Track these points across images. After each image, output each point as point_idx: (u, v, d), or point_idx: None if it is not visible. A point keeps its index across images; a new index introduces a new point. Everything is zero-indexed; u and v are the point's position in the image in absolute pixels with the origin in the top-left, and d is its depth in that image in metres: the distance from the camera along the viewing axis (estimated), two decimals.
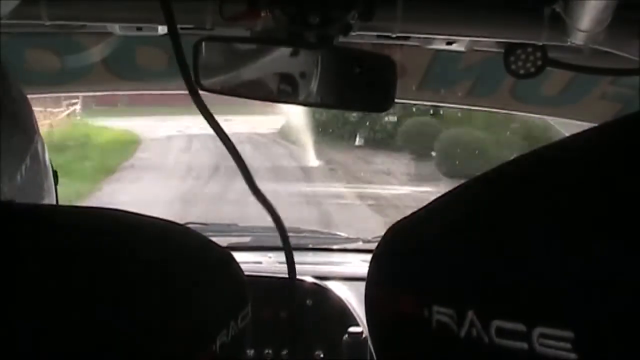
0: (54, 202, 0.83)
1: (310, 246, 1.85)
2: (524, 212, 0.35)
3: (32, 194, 0.70)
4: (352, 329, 1.27)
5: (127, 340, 0.39)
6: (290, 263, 0.79)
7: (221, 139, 0.78)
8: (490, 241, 0.36)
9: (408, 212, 0.46)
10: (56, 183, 0.84)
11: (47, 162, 0.77)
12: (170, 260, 0.46)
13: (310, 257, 1.79)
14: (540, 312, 0.32)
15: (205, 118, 0.77)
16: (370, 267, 0.49)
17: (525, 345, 0.32)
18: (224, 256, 0.53)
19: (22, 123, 0.69)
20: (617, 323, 0.29)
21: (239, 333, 0.49)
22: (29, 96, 0.73)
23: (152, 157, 10.56)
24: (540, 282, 0.32)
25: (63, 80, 1.30)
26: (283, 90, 1.09)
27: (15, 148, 0.66)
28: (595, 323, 0.30)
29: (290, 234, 1.99)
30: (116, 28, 1.07)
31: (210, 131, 0.77)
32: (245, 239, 1.79)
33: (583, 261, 0.31)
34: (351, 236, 1.96)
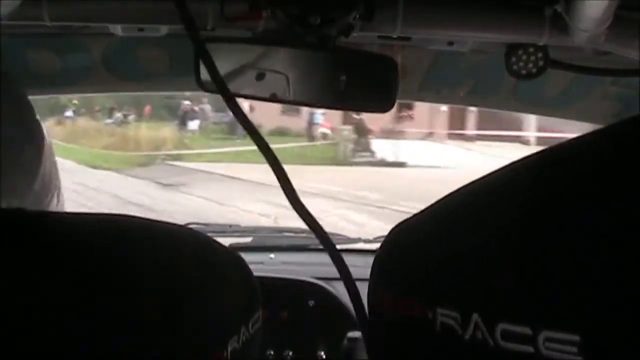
0: (64, 206, 0.83)
1: (312, 247, 1.85)
2: (528, 214, 0.35)
3: (45, 200, 0.70)
4: (350, 334, 1.26)
5: (134, 345, 0.39)
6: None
7: (259, 148, 0.76)
8: (495, 243, 0.36)
9: None
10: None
11: (56, 166, 0.77)
12: (178, 264, 0.46)
13: (311, 257, 1.79)
14: (546, 315, 0.32)
15: (242, 124, 0.76)
16: (373, 268, 0.49)
17: (530, 349, 0.32)
18: (234, 259, 0.53)
19: (31, 130, 0.69)
20: (622, 326, 0.29)
21: (249, 338, 0.49)
22: (30, 97, 0.73)
23: None
24: (545, 286, 0.32)
25: (64, 81, 1.31)
26: (284, 90, 1.09)
27: (28, 156, 0.66)
28: (601, 326, 0.30)
29: (290, 234, 1.98)
30: (118, 29, 1.07)
31: None
32: (247, 240, 1.79)
33: (588, 264, 0.31)
34: (353, 237, 1.95)
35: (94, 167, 13.16)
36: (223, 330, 0.46)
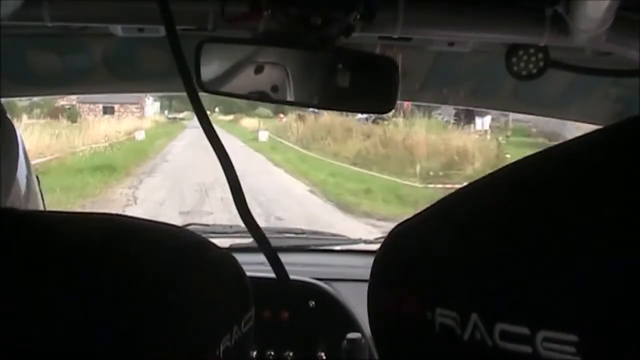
0: (42, 205, 0.83)
1: (312, 248, 1.85)
2: (527, 215, 0.35)
3: (25, 199, 0.71)
4: (350, 335, 1.26)
5: (127, 344, 0.39)
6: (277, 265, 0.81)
7: (212, 144, 0.78)
8: (494, 244, 0.36)
9: None
10: (39, 185, 0.86)
11: (31, 167, 0.78)
12: (171, 264, 0.46)
13: (312, 258, 1.79)
14: (544, 315, 0.32)
15: (200, 121, 0.78)
16: (373, 268, 0.49)
17: (529, 349, 0.32)
18: (227, 259, 0.53)
19: (3, 132, 0.69)
20: (620, 326, 0.29)
21: (242, 337, 0.49)
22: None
23: None
24: (544, 286, 0.32)
25: (64, 81, 1.31)
26: (285, 91, 1.09)
27: (6, 157, 0.66)
28: (599, 326, 0.30)
29: (292, 235, 1.98)
30: (118, 29, 1.07)
31: None
32: (247, 240, 1.79)
33: (587, 265, 0.31)
34: (354, 237, 1.95)
35: (342, 208, 7.13)
36: (216, 330, 0.46)
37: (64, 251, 0.40)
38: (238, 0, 0.95)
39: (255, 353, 1.36)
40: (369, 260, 0.50)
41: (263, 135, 17.66)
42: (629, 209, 0.31)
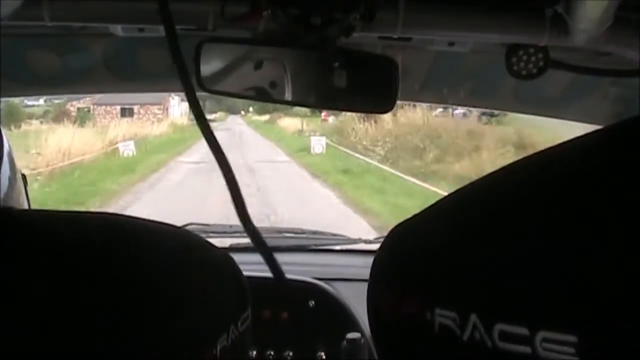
0: (26, 204, 0.84)
1: (312, 247, 1.85)
2: (527, 215, 0.35)
3: (8, 198, 0.71)
4: (349, 335, 1.26)
5: (125, 344, 0.39)
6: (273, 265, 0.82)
7: (210, 145, 0.78)
8: (494, 244, 0.36)
9: None
10: (25, 185, 0.86)
11: (16, 165, 0.78)
12: (169, 263, 0.46)
13: (311, 258, 1.79)
14: (544, 316, 0.32)
15: (197, 120, 0.78)
16: (373, 268, 0.49)
17: (528, 349, 0.32)
18: (224, 259, 0.53)
19: None
20: (619, 327, 0.29)
21: (239, 337, 0.49)
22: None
23: None
24: (543, 286, 0.32)
25: (65, 81, 1.31)
26: (285, 91, 1.09)
27: None
28: (598, 327, 0.30)
29: (292, 235, 1.98)
30: (118, 29, 1.07)
31: None
32: (247, 240, 1.79)
33: (586, 265, 0.31)
34: (353, 237, 1.95)
35: None
36: (213, 329, 0.47)
37: (63, 250, 0.40)
38: (238, 0, 0.95)
39: (255, 353, 1.36)
40: (369, 260, 0.50)
41: (318, 144, 11.75)
42: (628, 209, 0.31)
